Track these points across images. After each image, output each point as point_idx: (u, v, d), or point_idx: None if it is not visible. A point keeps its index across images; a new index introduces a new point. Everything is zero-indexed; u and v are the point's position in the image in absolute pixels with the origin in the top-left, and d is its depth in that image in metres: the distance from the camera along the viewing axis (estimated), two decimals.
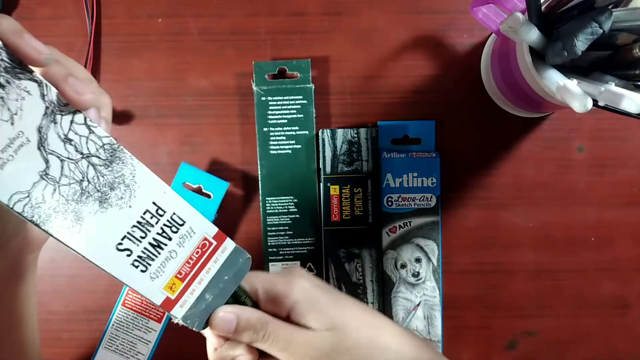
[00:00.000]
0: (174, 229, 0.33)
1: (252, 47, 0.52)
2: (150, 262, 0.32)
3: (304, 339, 0.35)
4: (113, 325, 0.50)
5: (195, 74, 0.52)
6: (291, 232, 0.51)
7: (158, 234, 0.32)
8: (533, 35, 0.39)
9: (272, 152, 0.51)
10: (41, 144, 0.29)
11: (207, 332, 0.35)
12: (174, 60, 0.52)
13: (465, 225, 0.53)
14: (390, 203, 0.51)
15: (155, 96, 0.52)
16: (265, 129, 0.51)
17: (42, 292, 0.52)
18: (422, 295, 0.51)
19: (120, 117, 0.52)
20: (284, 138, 0.51)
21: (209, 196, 0.50)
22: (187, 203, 0.33)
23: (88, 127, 0.30)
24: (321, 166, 0.51)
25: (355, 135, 0.51)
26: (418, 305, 0.51)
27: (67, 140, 0.29)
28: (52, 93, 0.29)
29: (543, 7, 0.40)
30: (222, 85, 0.52)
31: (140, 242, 0.32)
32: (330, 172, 0.51)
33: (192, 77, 0.52)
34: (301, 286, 0.36)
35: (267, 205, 0.51)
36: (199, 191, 0.50)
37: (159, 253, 0.32)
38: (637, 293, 0.53)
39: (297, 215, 0.51)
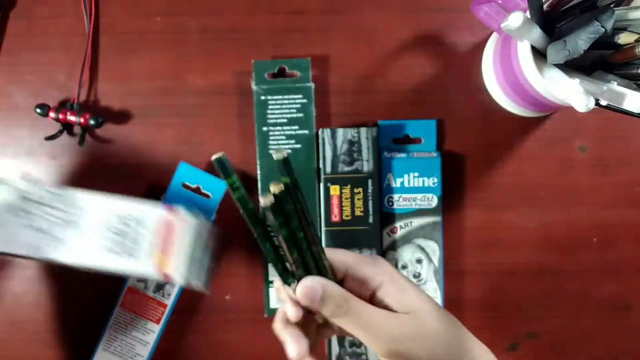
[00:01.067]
0: (132, 223, 0.44)
1: (251, 45, 0.52)
2: (126, 248, 0.43)
3: (385, 319, 0.35)
4: (111, 326, 0.49)
5: (194, 73, 0.52)
6: None
7: (123, 231, 0.43)
8: (535, 34, 0.39)
9: (271, 151, 0.51)
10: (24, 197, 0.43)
11: (286, 303, 0.36)
12: (172, 59, 0.52)
13: (467, 225, 0.52)
14: (391, 203, 0.51)
15: (154, 95, 0.52)
16: (264, 129, 0.51)
17: (41, 293, 0.52)
18: None
19: (119, 117, 0.52)
20: (284, 137, 0.51)
21: (207, 196, 0.50)
22: (136, 203, 0.44)
23: (48, 191, 0.43)
24: (321, 166, 0.50)
25: (356, 135, 0.50)
26: None
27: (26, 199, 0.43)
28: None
29: (545, 6, 0.40)
30: (221, 84, 0.52)
31: (114, 239, 0.43)
32: (331, 172, 0.50)
33: (191, 76, 0.52)
34: (387, 269, 0.38)
35: None
36: (197, 191, 0.50)
37: (131, 241, 0.43)
38: (638, 294, 0.53)
39: None
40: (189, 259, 0.43)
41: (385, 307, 0.36)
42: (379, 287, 0.37)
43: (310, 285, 0.36)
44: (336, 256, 0.38)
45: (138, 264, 0.43)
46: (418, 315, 0.36)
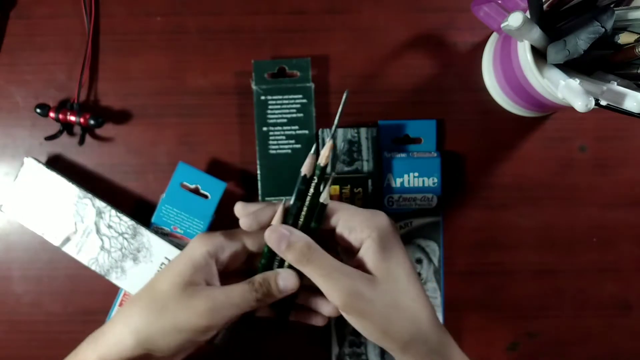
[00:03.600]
0: None
1: (251, 45, 0.52)
2: None
3: (345, 273, 0.36)
4: None
5: (194, 72, 0.52)
6: None
7: None
8: (534, 34, 0.39)
9: (271, 151, 0.51)
10: (98, 230, 0.49)
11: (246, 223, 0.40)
12: (172, 59, 0.52)
13: (467, 225, 0.52)
14: (391, 203, 0.51)
15: (154, 95, 0.52)
16: (264, 129, 0.51)
17: (41, 293, 0.52)
18: None
19: (119, 116, 0.52)
20: (284, 137, 0.51)
21: (206, 196, 0.50)
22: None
23: (118, 216, 0.48)
24: None
25: (356, 135, 0.50)
26: None
27: (109, 226, 0.49)
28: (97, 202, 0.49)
29: (545, 6, 0.40)
30: (221, 84, 0.52)
31: None
32: (331, 172, 0.50)
33: (190, 76, 0.52)
34: (380, 223, 0.38)
35: None
36: (196, 191, 0.50)
37: None
38: (638, 294, 0.53)
39: None
40: None
41: (362, 261, 0.37)
42: (365, 241, 0.38)
43: (277, 231, 0.38)
44: (331, 205, 0.39)
45: None
46: (387, 280, 0.37)
